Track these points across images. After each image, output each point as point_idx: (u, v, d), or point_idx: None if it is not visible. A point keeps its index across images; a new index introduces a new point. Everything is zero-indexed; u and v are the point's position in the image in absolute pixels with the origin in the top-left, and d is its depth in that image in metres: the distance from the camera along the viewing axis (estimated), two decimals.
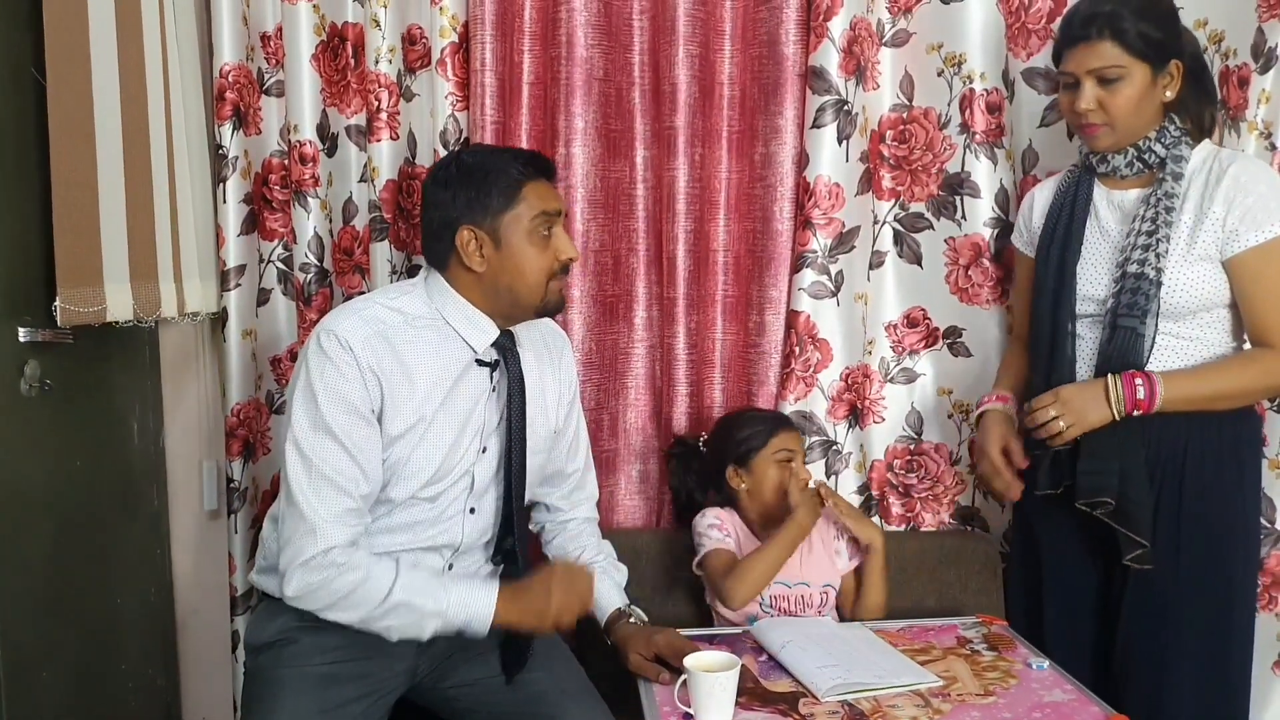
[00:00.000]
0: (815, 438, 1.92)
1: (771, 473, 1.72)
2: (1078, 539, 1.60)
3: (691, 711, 1.29)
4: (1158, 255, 1.50)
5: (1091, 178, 1.63)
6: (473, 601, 1.39)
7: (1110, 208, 1.61)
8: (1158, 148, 1.55)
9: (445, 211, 1.45)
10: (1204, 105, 1.60)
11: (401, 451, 1.42)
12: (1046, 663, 1.46)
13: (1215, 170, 1.53)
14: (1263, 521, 1.67)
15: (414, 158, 1.95)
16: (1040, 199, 1.72)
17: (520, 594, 1.42)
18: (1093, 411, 1.49)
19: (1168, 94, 1.54)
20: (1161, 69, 1.52)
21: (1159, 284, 1.50)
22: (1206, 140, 1.59)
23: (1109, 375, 1.50)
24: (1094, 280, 1.58)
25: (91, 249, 1.64)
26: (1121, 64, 1.50)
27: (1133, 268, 1.51)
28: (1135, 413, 1.48)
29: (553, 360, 1.62)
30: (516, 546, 1.54)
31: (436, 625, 1.38)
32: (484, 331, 1.47)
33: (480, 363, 1.48)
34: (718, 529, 1.73)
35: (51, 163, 1.60)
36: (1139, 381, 1.48)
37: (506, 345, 1.50)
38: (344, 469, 1.37)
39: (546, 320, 1.60)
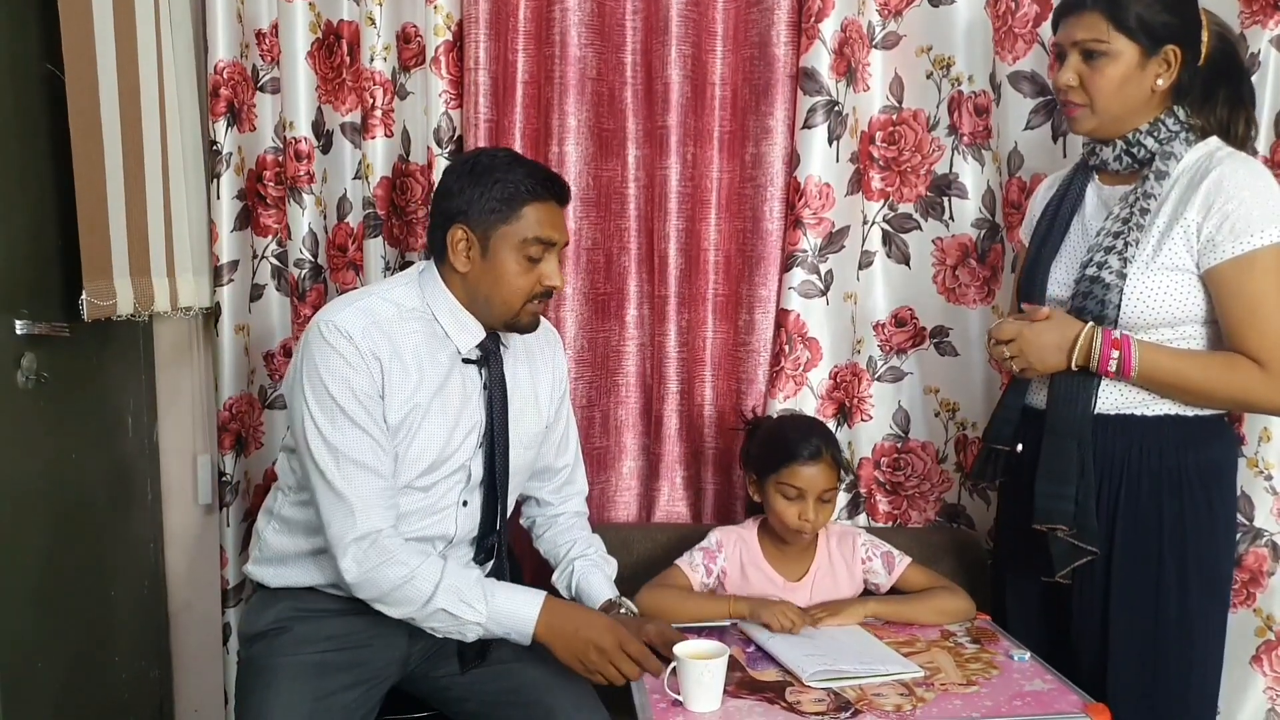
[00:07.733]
0: None
1: (775, 502, 1.60)
2: (1026, 536, 1.49)
3: (680, 698, 1.31)
4: (1123, 259, 1.40)
5: (1088, 172, 1.53)
6: (515, 614, 1.38)
7: (1098, 204, 1.51)
8: (1149, 142, 1.43)
9: (448, 203, 1.45)
10: (1235, 109, 1.46)
11: (402, 439, 1.44)
12: (1028, 654, 1.48)
13: (1201, 171, 1.40)
14: (1240, 519, 1.66)
15: (408, 155, 1.97)
16: (1043, 190, 1.65)
17: (568, 619, 1.39)
18: (1051, 359, 1.43)
19: (1159, 82, 1.41)
20: (1155, 53, 1.39)
21: (1120, 290, 1.39)
22: (1213, 137, 1.45)
23: (1089, 326, 1.40)
24: (1063, 281, 1.49)
25: (104, 243, 1.66)
26: (1106, 39, 1.39)
27: (1091, 270, 1.42)
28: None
29: (544, 356, 1.63)
30: (498, 543, 1.56)
31: (479, 633, 1.39)
32: (470, 332, 1.49)
33: (467, 361, 1.50)
34: (707, 555, 1.65)
35: (74, 158, 1.61)
36: (1115, 354, 1.39)
37: (490, 348, 1.52)
38: (368, 450, 1.38)
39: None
